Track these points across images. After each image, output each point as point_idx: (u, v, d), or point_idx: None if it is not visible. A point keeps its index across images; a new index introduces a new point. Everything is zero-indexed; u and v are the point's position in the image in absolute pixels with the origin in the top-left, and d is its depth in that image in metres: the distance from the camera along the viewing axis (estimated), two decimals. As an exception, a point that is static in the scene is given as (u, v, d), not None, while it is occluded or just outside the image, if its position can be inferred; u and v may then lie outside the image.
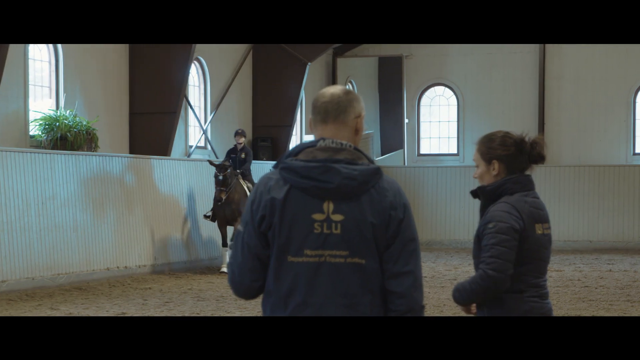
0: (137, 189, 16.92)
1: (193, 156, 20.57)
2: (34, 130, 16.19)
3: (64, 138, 15.79)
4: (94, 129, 16.33)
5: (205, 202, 18.75)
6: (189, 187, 18.46)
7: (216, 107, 21.82)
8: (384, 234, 3.56)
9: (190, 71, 19.62)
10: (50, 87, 17.05)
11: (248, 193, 16.53)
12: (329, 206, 3.56)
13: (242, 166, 17.45)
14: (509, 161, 4.80)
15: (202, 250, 18.47)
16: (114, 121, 17.37)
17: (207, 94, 21.76)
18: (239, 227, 3.66)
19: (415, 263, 3.61)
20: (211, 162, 16.84)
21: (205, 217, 17.08)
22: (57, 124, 15.88)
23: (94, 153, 16.12)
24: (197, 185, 18.70)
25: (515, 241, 4.65)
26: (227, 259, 16.27)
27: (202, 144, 21.57)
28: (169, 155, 18.84)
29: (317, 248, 3.55)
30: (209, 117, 21.60)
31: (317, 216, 3.56)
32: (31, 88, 16.47)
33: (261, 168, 20.87)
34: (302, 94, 23.78)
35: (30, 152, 14.79)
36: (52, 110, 16.47)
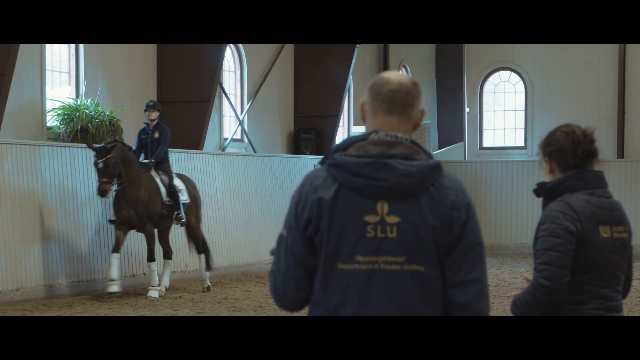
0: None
1: (228, 150, 20.61)
2: (52, 121, 16.32)
3: (84, 130, 15.88)
4: (117, 120, 16.41)
5: (243, 203, 18.77)
6: (224, 184, 18.48)
7: (254, 95, 21.85)
8: (446, 238, 3.53)
9: (225, 55, 19.67)
10: (69, 73, 17.17)
11: (162, 188, 14.87)
12: (383, 207, 3.53)
13: (155, 150, 15.01)
14: (558, 158, 4.79)
15: (238, 255, 18.50)
16: (140, 111, 17.44)
17: (243, 80, 21.80)
18: (282, 231, 3.63)
19: (481, 270, 3.57)
20: (89, 146, 14.10)
21: (110, 222, 14.75)
22: (77, 114, 15.98)
23: (118, 146, 16.15)
24: (233, 182, 18.72)
25: (571, 244, 4.59)
26: (155, 277, 14.76)
27: (238, 136, 21.61)
28: (202, 149, 18.88)
29: (370, 254, 3.52)
30: (246, 107, 21.64)
31: (370, 218, 3.53)
32: (48, 74, 16.59)
33: (304, 163, 20.88)
34: (350, 80, 23.74)
35: (48, 146, 14.89)
36: (72, 98, 16.57)
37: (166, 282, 15.29)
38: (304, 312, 3.70)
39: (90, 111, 16.10)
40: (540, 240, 4.66)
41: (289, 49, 23.14)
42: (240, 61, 21.74)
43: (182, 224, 15.19)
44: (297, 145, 23.05)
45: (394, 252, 3.51)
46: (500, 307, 13.65)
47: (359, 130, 24.83)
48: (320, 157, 20.80)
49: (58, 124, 16.15)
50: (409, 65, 27.34)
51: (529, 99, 26.44)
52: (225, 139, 20.99)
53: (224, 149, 20.58)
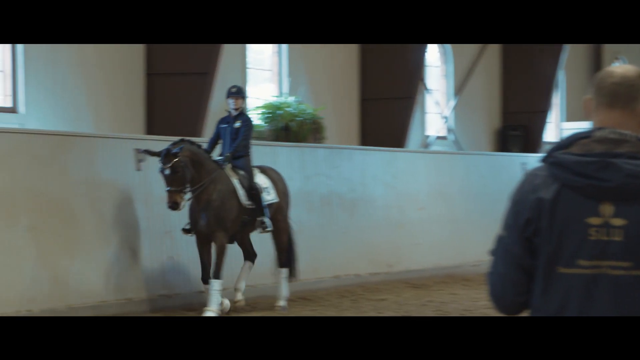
0: (364, 185, 17.02)
1: (433, 148, 20.54)
2: (255, 119, 16.66)
3: (287, 128, 16.08)
4: (320, 118, 16.56)
5: (448, 202, 18.65)
6: (428, 183, 18.41)
7: (459, 91, 21.71)
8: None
9: (427, 50, 19.62)
10: (272, 71, 17.46)
11: (239, 190, 12.90)
12: (607, 209, 3.47)
13: (233, 144, 13.01)
14: None
15: (442, 257, 18.37)
16: (342, 109, 17.64)
17: (447, 76, 21.70)
18: (500, 232, 3.62)
19: None
20: (148, 152, 12.27)
21: (184, 231, 12.82)
22: (280, 112, 16.21)
23: (321, 145, 16.34)
24: (437, 181, 18.61)
25: None
26: (216, 296, 12.38)
27: (442, 133, 21.52)
28: (405, 147, 18.87)
29: (594, 258, 3.47)
30: (451, 103, 21.52)
31: (593, 220, 3.48)
32: (251, 72, 16.93)
33: (511, 162, 20.58)
34: (561, 74, 23.30)
35: (251, 145, 15.18)
36: (275, 97, 16.84)
37: (242, 286, 13.25)
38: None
39: (293, 109, 16.30)
40: None
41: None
42: (444, 56, 21.65)
43: (266, 232, 13.27)
44: (503, 142, 22.77)
45: (620, 257, 3.45)
46: None
47: (569, 126, 24.33)
48: (529, 155, 20.58)
49: (261, 123, 16.43)
50: (627, 59, 26.58)
51: None
52: (429, 137, 20.91)
53: (427, 147, 20.51)
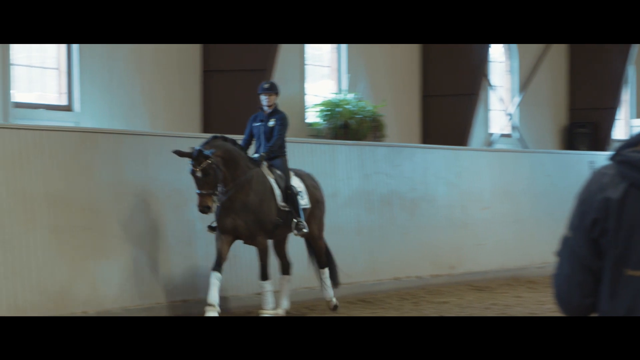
0: (425, 184, 16.87)
1: (496, 146, 20.35)
2: (313, 117, 16.53)
3: (346, 126, 16.00)
4: (380, 115, 16.45)
5: (513, 201, 18.44)
6: (492, 182, 18.24)
7: (524, 87, 21.46)
8: None
9: (491, 45, 19.40)
10: (330, 67, 17.36)
11: (276, 190, 12.39)
12: (677, 210, 3.40)
13: (268, 143, 12.47)
14: None
15: (507, 258, 18.21)
16: (403, 106, 17.46)
17: (512, 72, 21.46)
18: (566, 232, 3.55)
19: None
20: (179, 152, 11.66)
21: (210, 229, 12.35)
22: (339, 109, 16.11)
23: (381, 143, 16.24)
24: (501, 180, 18.44)
25: None
26: (269, 299, 12.13)
27: (507, 131, 21.33)
28: (468, 145, 18.71)
29: (663, 261, 3.37)
30: (516, 100, 21.28)
31: (663, 221, 3.40)
32: (309, 69, 16.83)
33: (578, 160, 20.28)
34: (630, 69, 22.94)
35: (309, 143, 15.07)
36: (333, 94, 16.74)
37: (285, 304, 12.79)
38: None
39: (352, 107, 16.19)
40: None
41: (561, 37, 22.62)
42: (509, 50, 21.42)
43: (302, 235, 12.72)
44: (570, 140, 22.48)
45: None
46: None
47: (639, 123, 23.99)
48: (597, 153, 20.28)
49: (320, 120, 16.35)
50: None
51: None
52: (491, 134, 20.72)
53: (491, 145, 20.30)
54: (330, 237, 14.89)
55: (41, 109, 14.84)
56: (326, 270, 13.16)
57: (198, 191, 11.57)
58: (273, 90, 12.62)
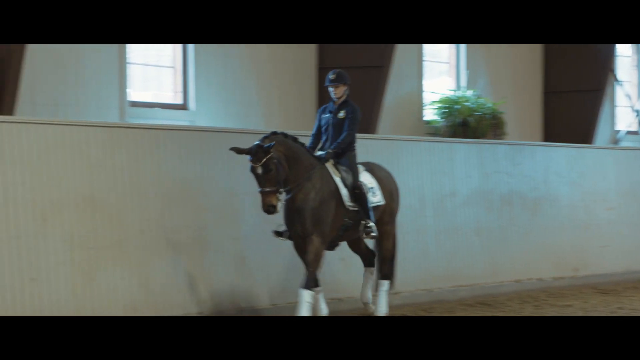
0: (547, 183, 16.62)
1: (623, 144, 19.97)
2: (431, 115, 16.42)
3: (465, 124, 15.88)
4: (500, 113, 16.28)
5: (639, 202, 18.08)
6: (618, 182, 17.89)
7: (652, 82, 21.04)
8: None
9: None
10: (449, 64, 17.23)
11: (342, 190, 11.47)
12: None
13: (337, 137, 11.64)
14: None
15: (635, 261, 17.87)
16: (523, 103, 17.20)
17: None
18: None
19: None
20: (236, 149, 10.91)
21: (276, 233, 11.50)
22: (457, 107, 15.99)
23: (501, 141, 16.05)
24: (628, 179, 18.08)
25: None
26: (304, 305, 10.87)
27: (634, 128, 20.95)
28: (592, 143, 18.40)
29: None
30: (643, 95, 20.88)
31: None
32: (427, 65, 16.70)
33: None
34: None
35: (427, 141, 14.94)
36: (452, 90, 16.61)
37: (385, 307, 12.09)
38: None
39: (471, 104, 16.05)
40: None
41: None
42: (637, 46, 20.99)
43: (371, 237, 11.87)
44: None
45: None
46: None
47: None
48: None
49: (437, 118, 16.24)
50: None
51: None
52: (617, 132, 20.36)
53: (617, 143, 19.92)
54: (449, 237, 14.77)
55: (157, 108, 15.01)
56: (386, 283, 12.15)
57: (260, 189, 10.75)
58: (340, 80, 11.68)
